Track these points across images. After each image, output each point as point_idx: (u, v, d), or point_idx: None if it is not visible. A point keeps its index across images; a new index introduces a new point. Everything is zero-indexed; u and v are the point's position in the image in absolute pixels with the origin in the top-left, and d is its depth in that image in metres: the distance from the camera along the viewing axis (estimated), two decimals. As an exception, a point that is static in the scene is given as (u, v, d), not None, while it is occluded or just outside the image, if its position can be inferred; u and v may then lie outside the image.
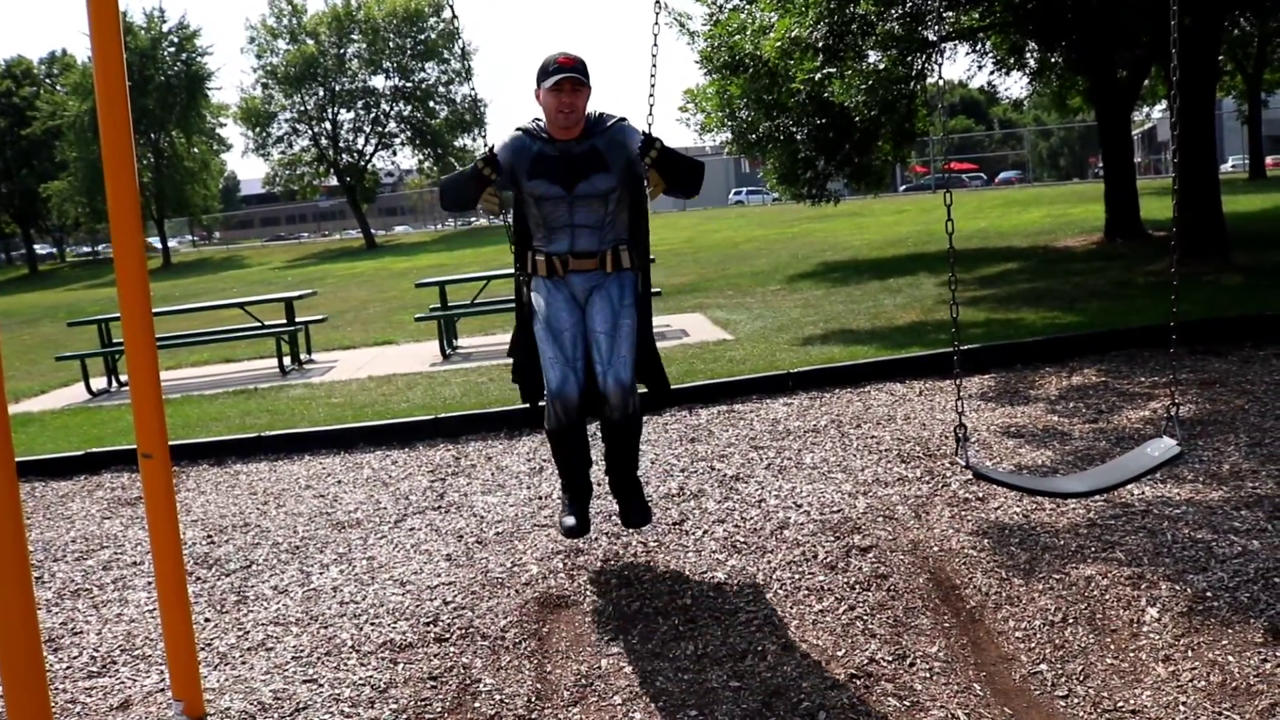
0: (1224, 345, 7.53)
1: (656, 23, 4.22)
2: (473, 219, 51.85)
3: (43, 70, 58.94)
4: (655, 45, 4.24)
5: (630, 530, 4.98)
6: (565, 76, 4.14)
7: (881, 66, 13.53)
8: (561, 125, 4.24)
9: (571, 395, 4.16)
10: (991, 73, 18.22)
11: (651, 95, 4.29)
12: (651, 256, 4.72)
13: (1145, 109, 35.91)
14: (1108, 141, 15.77)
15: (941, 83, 3.59)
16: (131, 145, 3.31)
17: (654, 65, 4.27)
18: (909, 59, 13.73)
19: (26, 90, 55.78)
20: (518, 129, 4.40)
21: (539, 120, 4.36)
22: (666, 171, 4.20)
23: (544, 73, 4.19)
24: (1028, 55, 17.47)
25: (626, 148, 4.30)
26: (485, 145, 4.33)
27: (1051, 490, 3.89)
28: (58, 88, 54.44)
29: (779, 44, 13.23)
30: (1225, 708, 3.08)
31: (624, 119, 4.38)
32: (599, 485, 4.99)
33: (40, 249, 63.72)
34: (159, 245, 50.40)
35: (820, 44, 12.74)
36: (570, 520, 4.40)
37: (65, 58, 57.12)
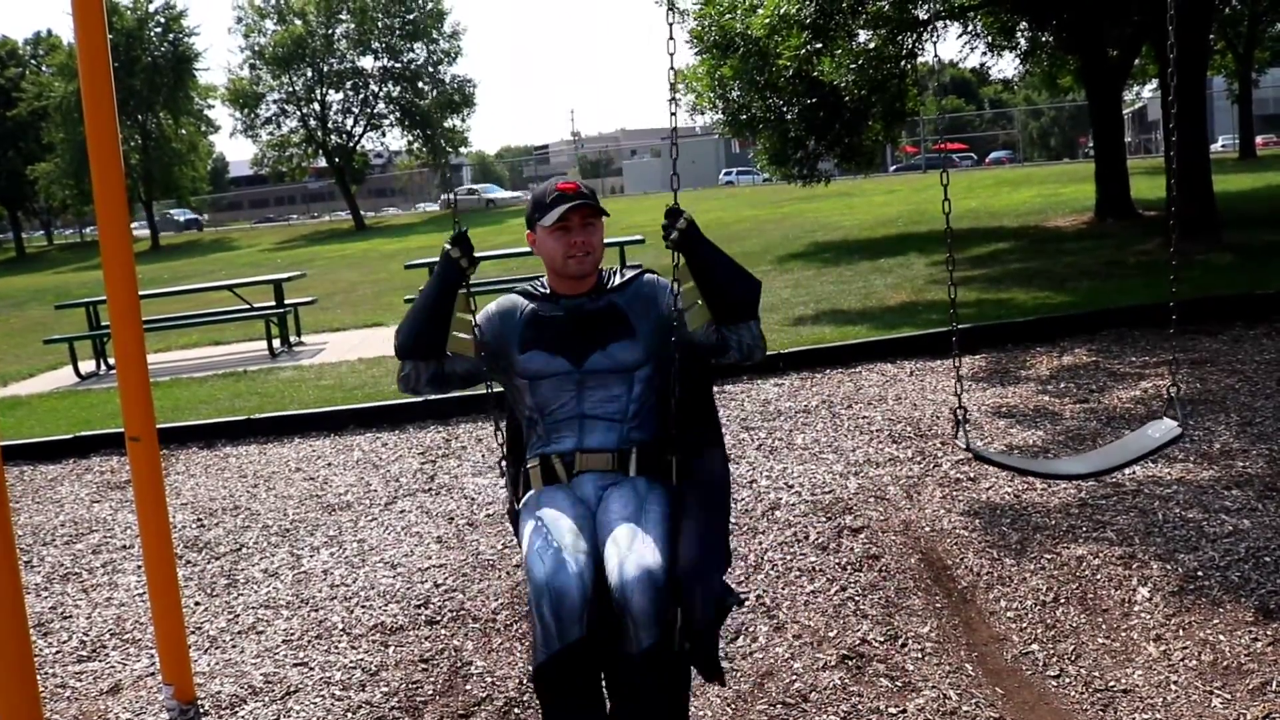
0: (1215, 325, 7.54)
1: (671, 37, 3.07)
2: (455, 198, 51.62)
3: (28, 51, 58.49)
4: (671, 68, 3.08)
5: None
6: (572, 206, 3.00)
7: (872, 46, 13.48)
8: (574, 273, 3.06)
9: (571, 590, 2.64)
10: (983, 53, 18.17)
11: (673, 111, 3.12)
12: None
13: (1136, 88, 35.90)
14: (1098, 121, 15.74)
15: (935, 61, 3.57)
16: (116, 127, 3.28)
17: (673, 112, 3.12)
18: (899, 38, 13.67)
19: (12, 71, 55.37)
20: (513, 291, 3.28)
21: (539, 279, 3.24)
22: (699, 270, 2.96)
23: (541, 207, 3.06)
24: (1018, 35, 17.42)
25: (657, 303, 3.11)
26: (455, 224, 3.11)
27: (1052, 472, 3.89)
28: (43, 69, 54.06)
29: (767, 20, 13.17)
30: (1216, 686, 3.08)
31: (650, 270, 3.23)
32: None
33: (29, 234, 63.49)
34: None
35: (809, 21, 12.69)
36: None
37: (51, 38, 56.67)
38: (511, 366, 3.14)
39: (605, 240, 3.23)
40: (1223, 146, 40.79)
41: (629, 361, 3.06)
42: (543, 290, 3.18)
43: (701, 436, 3.09)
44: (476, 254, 3.07)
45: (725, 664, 3.50)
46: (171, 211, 58.99)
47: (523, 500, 3.08)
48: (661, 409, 3.12)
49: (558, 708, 2.71)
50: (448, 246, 3.03)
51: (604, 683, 2.84)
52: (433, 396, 4.17)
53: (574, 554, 2.74)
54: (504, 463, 3.24)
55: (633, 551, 2.70)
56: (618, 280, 3.18)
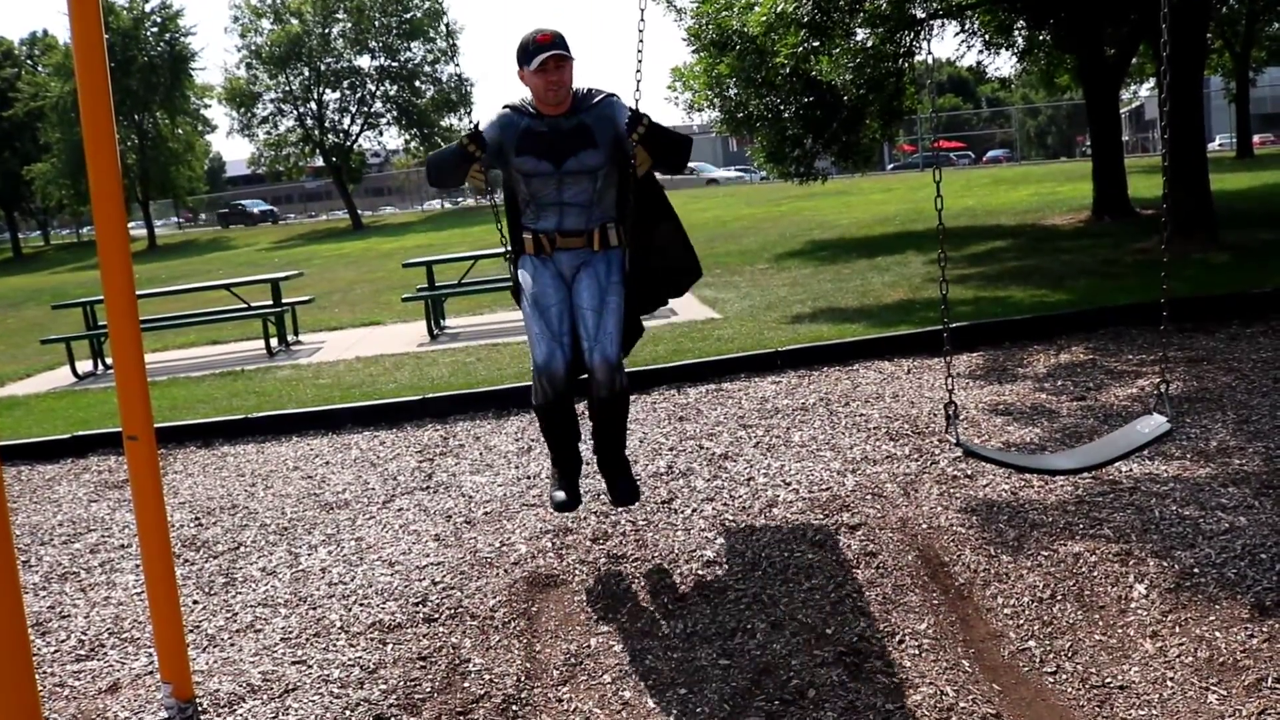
0: (1211, 323, 7.55)
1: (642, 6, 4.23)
2: (459, 198, 51.67)
3: (23, 51, 58.40)
4: (642, 21, 4.22)
5: (619, 509, 4.98)
6: (549, 54, 4.10)
7: (869, 44, 13.48)
8: (552, 102, 4.21)
9: (558, 370, 4.12)
10: (980, 51, 18.17)
11: (639, 72, 4.20)
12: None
13: (1133, 87, 35.92)
14: (1095, 120, 15.75)
15: (930, 59, 3.57)
16: (113, 127, 3.28)
17: (640, 43, 4.16)
18: (897, 36, 13.68)
19: (8, 71, 55.26)
20: (505, 106, 4.37)
21: (527, 98, 4.33)
22: (654, 147, 4.18)
23: (525, 53, 4.16)
24: (1016, 33, 17.43)
25: (615, 124, 4.27)
26: (472, 123, 4.30)
27: (1041, 467, 3.90)
28: (39, 69, 53.98)
29: (764, 18, 13.17)
30: (1212, 683, 3.09)
31: (613, 95, 4.35)
32: (588, 464, 4.98)
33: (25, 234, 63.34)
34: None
35: (805, 19, 12.68)
36: (560, 495, 4.37)
37: (46, 38, 56.57)
38: (510, 163, 4.29)
39: None
40: (1220, 145, 40.81)
41: (593, 165, 4.25)
42: (532, 110, 4.29)
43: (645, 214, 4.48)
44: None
45: (723, 661, 3.51)
46: (244, 202, 57.35)
47: (520, 271, 4.39)
48: (619, 198, 4.39)
49: (550, 427, 4.34)
50: (465, 140, 4.21)
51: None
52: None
53: (559, 339, 4.17)
54: (508, 253, 4.59)
55: (597, 343, 4.13)
56: (589, 101, 4.29)
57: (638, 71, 4.19)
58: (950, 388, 3.56)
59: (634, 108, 4.14)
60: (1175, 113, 11.14)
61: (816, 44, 13.32)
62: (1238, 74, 29.51)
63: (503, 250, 4.61)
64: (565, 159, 4.23)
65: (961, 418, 3.52)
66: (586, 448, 5.07)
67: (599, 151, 4.25)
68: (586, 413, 4.46)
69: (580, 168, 4.24)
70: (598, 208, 4.34)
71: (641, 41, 4.20)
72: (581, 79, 4.35)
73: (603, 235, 4.34)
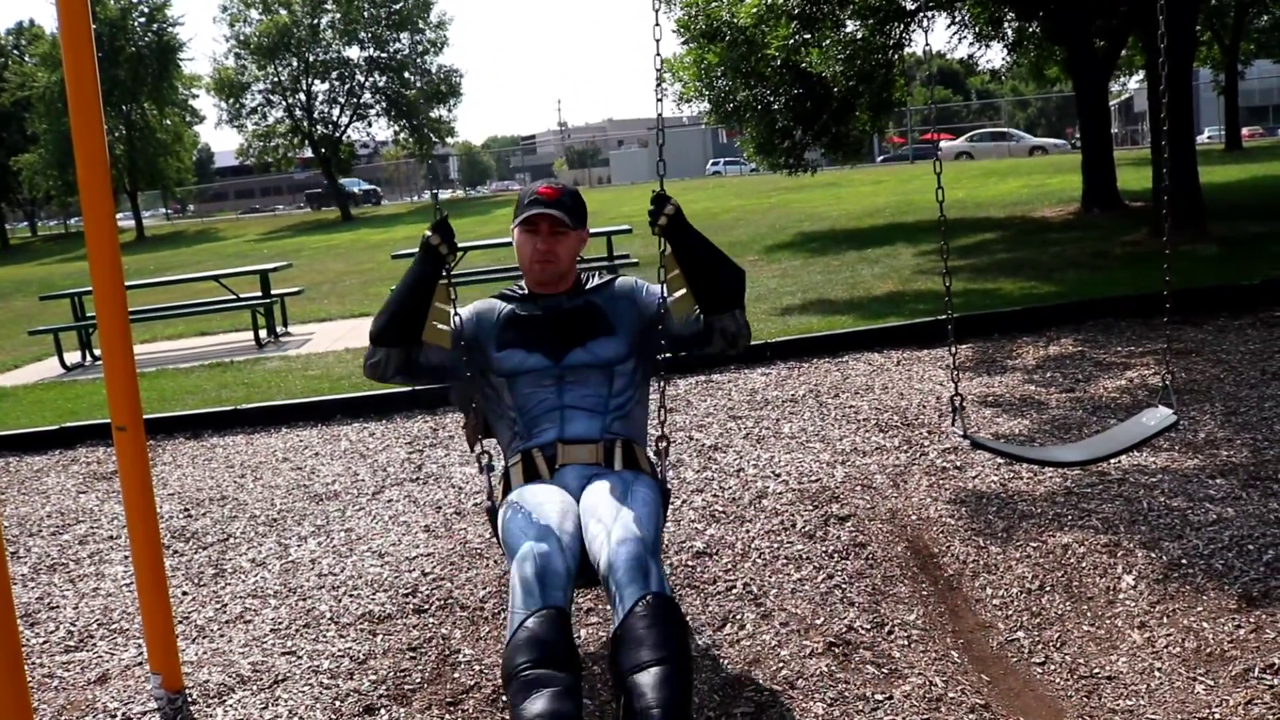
0: (1199, 315, 7.58)
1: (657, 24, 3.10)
2: (451, 190, 51.54)
3: (10, 41, 58.10)
4: (657, 27, 3.10)
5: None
6: (540, 212, 3.07)
7: (859, 36, 13.48)
8: (539, 278, 3.17)
9: (553, 563, 2.67)
10: (970, 43, 18.16)
11: (659, 86, 3.14)
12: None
13: (1122, 79, 35.94)
14: (1085, 112, 15.78)
15: (926, 50, 3.57)
16: (101, 117, 3.26)
17: (658, 58, 3.12)
18: (887, 28, 13.68)
19: (-5, 61, 55.01)
20: (493, 296, 3.36)
21: (519, 283, 3.34)
22: (685, 257, 3.01)
23: (518, 206, 3.17)
24: (1006, 25, 17.44)
25: (636, 300, 3.19)
26: (436, 213, 3.12)
27: (1047, 459, 3.91)
28: (26, 59, 53.68)
29: (755, 9, 13.16)
30: (1200, 673, 3.10)
31: (625, 275, 3.35)
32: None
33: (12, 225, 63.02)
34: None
35: (796, 11, 12.68)
36: None
37: (33, 28, 56.28)
38: (488, 365, 3.17)
39: (592, 230, 3.31)
40: (1209, 138, 40.90)
41: (609, 357, 3.10)
42: (521, 292, 3.27)
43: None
44: (461, 244, 3.18)
45: (713, 651, 3.52)
46: (344, 180, 53.58)
47: (503, 501, 3.04)
48: (641, 414, 3.24)
49: (532, 682, 2.48)
50: (428, 234, 3.05)
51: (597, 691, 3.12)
52: (398, 388, 4.19)
53: (559, 530, 2.78)
54: (483, 455, 3.20)
55: (617, 522, 2.75)
56: (595, 283, 3.27)
57: (658, 87, 3.15)
58: (955, 379, 3.56)
59: (658, 190, 3.01)
60: (1169, 106, 11.16)
61: (807, 36, 13.32)
62: (1227, 66, 29.58)
63: (477, 455, 3.26)
64: (568, 350, 3.12)
65: (959, 408, 3.51)
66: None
67: (616, 340, 3.14)
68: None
69: (590, 360, 3.11)
70: (614, 414, 3.14)
71: (659, 57, 3.12)
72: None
73: (626, 454, 3.10)
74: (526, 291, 3.25)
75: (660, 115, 3.08)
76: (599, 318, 3.15)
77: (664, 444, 3.11)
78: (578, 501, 2.95)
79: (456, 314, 3.14)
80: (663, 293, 3.05)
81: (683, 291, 3.03)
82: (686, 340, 3.14)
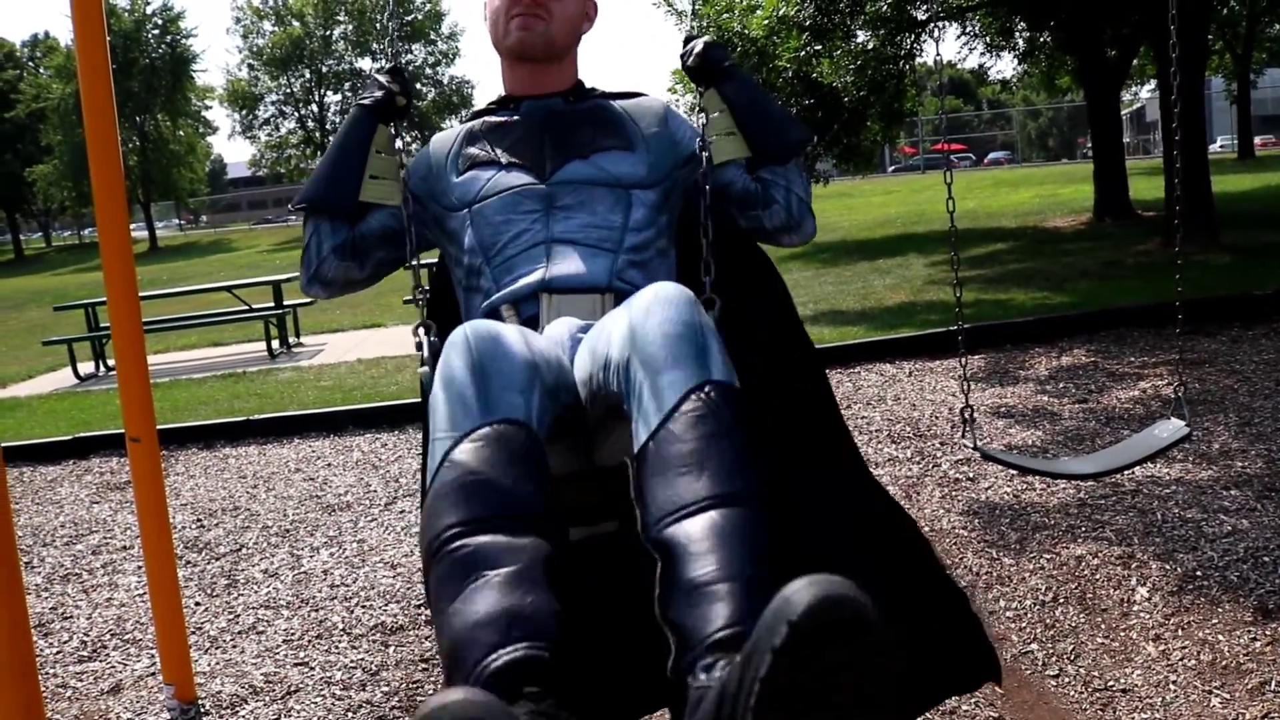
0: (1213, 325, 7.55)
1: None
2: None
3: (25, 53, 58.51)
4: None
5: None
6: None
7: (870, 46, 13.49)
8: (515, 46, 2.17)
9: (505, 353, 1.61)
10: (982, 53, 18.15)
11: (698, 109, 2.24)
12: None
13: (1134, 89, 35.91)
14: (1096, 121, 15.75)
15: (938, 60, 3.57)
16: (116, 128, 3.28)
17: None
18: (898, 39, 13.68)
19: (10, 73, 55.35)
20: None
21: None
22: (735, 97, 2.14)
23: None
24: (1017, 35, 17.44)
25: (669, 125, 2.22)
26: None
27: (1060, 472, 3.89)
28: (41, 70, 54.06)
29: (766, 22, 13.18)
30: (1215, 686, 3.09)
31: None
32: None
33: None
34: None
35: (808, 23, 12.69)
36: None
37: (48, 40, 56.68)
38: (446, 204, 2.20)
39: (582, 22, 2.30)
40: (1221, 147, 40.82)
41: (624, 175, 2.11)
42: (493, 104, 2.30)
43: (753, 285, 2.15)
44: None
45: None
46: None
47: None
48: (667, 265, 2.15)
49: (469, 560, 1.43)
50: (376, 73, 2.26)
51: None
52: (338, 289, 2.42)
53: (521, 340, 1.67)
54: (421, 329, 2.08)
55: (636, 313, 1.64)
56: (613, 93, 2.32)
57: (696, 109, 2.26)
58: (966, 390, 3.55)
59: (691, 33, 2.28)
60: (1181, 115, 11.15)
61: (818, 48, 13.33)
62: (1239, 75, 29.54)
63: (416, 344, 2.09)
64: (564, 161, 2.11)
65: (971, 420, 3.50)
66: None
67: (634, 157, 2.14)
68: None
69: (596, 176, 2.09)
70: (629, 255, 2.06)
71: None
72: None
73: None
74: (502, 94, 2.28)
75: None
76: (611, 124, 2.18)
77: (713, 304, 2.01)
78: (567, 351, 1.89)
79: (403, 167, 2.23)
80: (702, 134, 2.17)
81: (733, 133, 2.15)
82: (739, 200, 2.17)
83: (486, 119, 2.22)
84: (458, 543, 1.43)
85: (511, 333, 1.65)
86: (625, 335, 1.59)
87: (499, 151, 2.13)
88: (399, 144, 2.24)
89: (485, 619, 1.34)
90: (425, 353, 2.02)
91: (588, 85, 2.30)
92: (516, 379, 1.56)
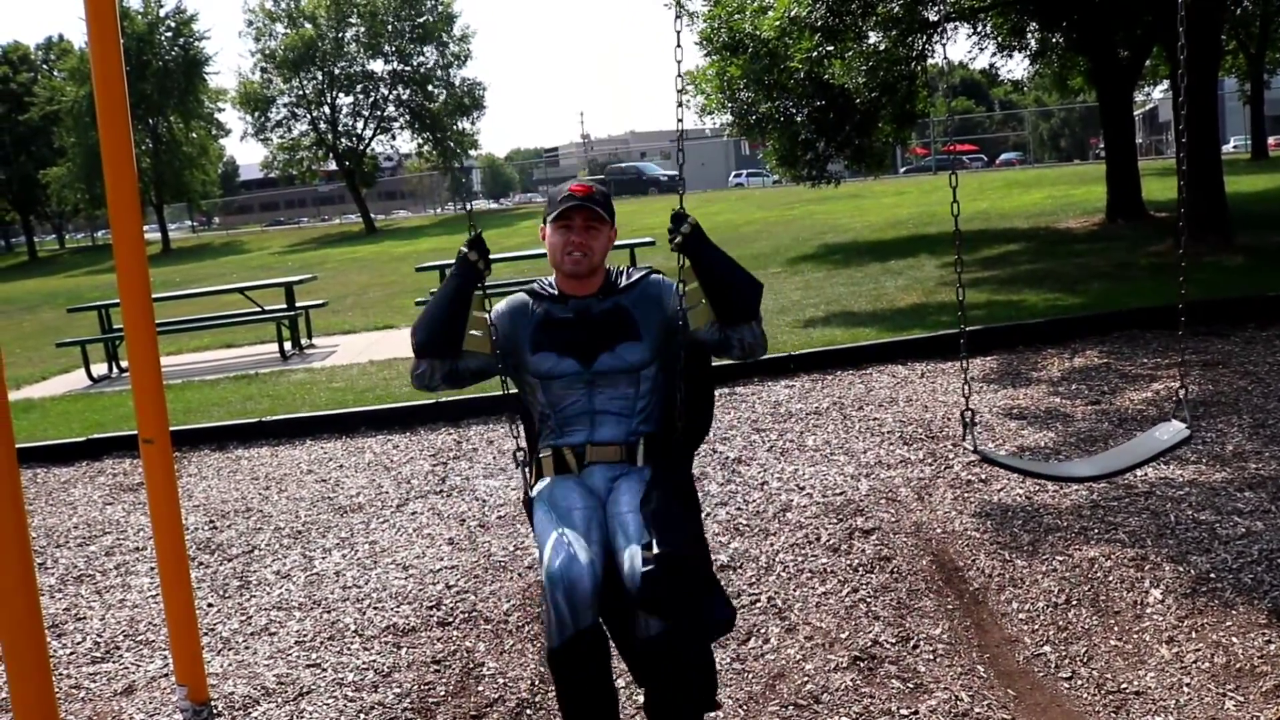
0: (1226, 327, 7.52)
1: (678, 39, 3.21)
2: (476, 200, 51.71)
3: (40, 56, 58.77)
4: (679, 48, 3.22)
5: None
6: (575, 205, 3.15)
7: (882, 47, 13.47)
8: (570, 272, 3.20)
9: (581, 580, 2.80)
10: (993, 54, 18.12)
11: (680, 98, 3.23)
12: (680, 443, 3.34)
13: (1147, 89, 35.80)
14: (1109, 122, 15.70)
15: (946, 61, 3.56)
16: (129, 131, 3.29)
17: (680, 76, 3.24)
18: (910, 40, 13.66)
19: (24, 76, 55.61)
20: (523, 289, 3.41)
21: (548, 279, 3.36)
22: (704, 272, 3.10)
23: (551, 204, 3.24)
24: (1029, 36, 17.39)
25: (662, 304, 3.25)
26: (470, 230, 3.26)
27: (1060, 475, 3.88)
28: (55, 73, 54.26)
29: (777, 23, 13.17)
30: (1229, 689, 3.08)
31: (656, 270, 3.37)
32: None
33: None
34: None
35: (819, 24, 12.68)
36: None
37: (62, 43, 56.91)
38: (524, 365, 3.29)
39: (616, 242, 3.45)
40: (1234, 147, 40.65)
41: (635, 362, 3.21)
42: (551, 291, 3.31)
43: (697, 434, 3.36)
44: (491, 256, 3.22)
45: (737, 665, 3.50)
46: None
47: (536, 489, 3.23)
48: (666, 404, 3.29)
49: (572, 692, 2.89)
50: (464, 250, 3.18)
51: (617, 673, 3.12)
52: (446, 395, 4.28)
53: (585, 546, 2.90)
54: (519, 453, 3.30)
55: (644, 538, 2.85)
56: (625, 281, 3.31)
57: (679, 104, 3.22)
58: (967, 393, 3.55)
59: (677, 209, 3.13)
60: (1191, 115, 11.10)
61: (830, 49, 13.32)
62: (1252, 76, 29.41)
63: (514, 451, 3.33)
64: (597, 355, 3.21)
65: (976, 423, 3.50)
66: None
67: (641, 345, 3.22)
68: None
69: (618, 365, 3.21)
70: (640, 418, 3.26)
71: (681, 71, 3.24)
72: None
73: (648, 449, 3.22)
74: (556, 290, 3.30)
75: (681, 132, 3.21)
76: (627, 322, 3.24)
77: (680, 437, 3.27)
78: (605, 502, 3.14)
79: (493, 325, 3.25)
80: (681, 304, 3.14)
81: (702, 303, 3.12)
82: (705, 348, 3.25)
83: (550, 313, 3.27)
84: (566, 683, 2.88)
85: (580, 565, 2.83)
86: (628, 582, 2.84)
87: (560, 344, 3.23)
88: (486, 304, 3.26)
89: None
90: (525, 485, 3.31)
91: (614, 268, 3.35)
92: (588, 601, 2.80)
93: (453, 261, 3.21)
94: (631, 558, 2.84)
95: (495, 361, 3.25)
